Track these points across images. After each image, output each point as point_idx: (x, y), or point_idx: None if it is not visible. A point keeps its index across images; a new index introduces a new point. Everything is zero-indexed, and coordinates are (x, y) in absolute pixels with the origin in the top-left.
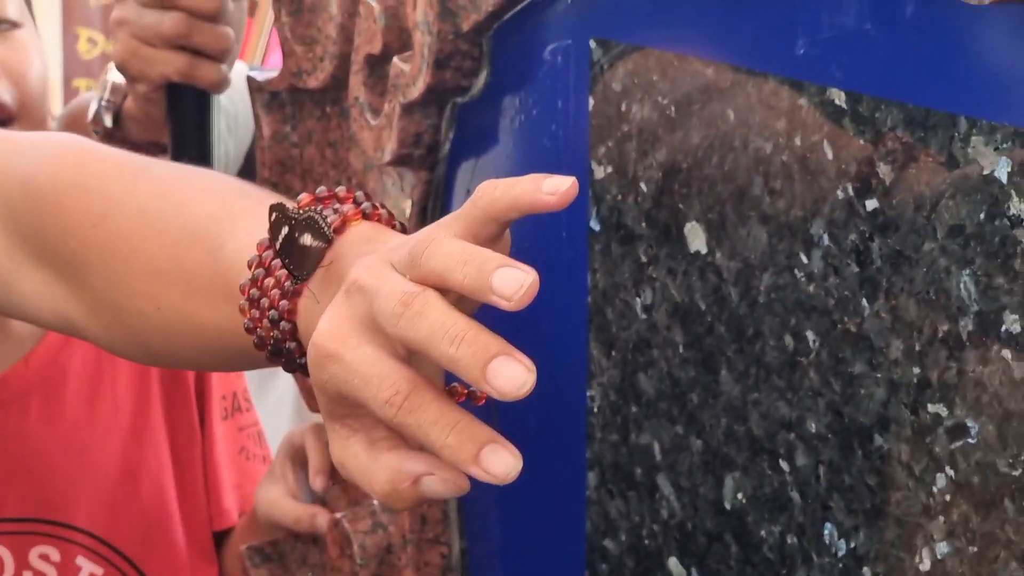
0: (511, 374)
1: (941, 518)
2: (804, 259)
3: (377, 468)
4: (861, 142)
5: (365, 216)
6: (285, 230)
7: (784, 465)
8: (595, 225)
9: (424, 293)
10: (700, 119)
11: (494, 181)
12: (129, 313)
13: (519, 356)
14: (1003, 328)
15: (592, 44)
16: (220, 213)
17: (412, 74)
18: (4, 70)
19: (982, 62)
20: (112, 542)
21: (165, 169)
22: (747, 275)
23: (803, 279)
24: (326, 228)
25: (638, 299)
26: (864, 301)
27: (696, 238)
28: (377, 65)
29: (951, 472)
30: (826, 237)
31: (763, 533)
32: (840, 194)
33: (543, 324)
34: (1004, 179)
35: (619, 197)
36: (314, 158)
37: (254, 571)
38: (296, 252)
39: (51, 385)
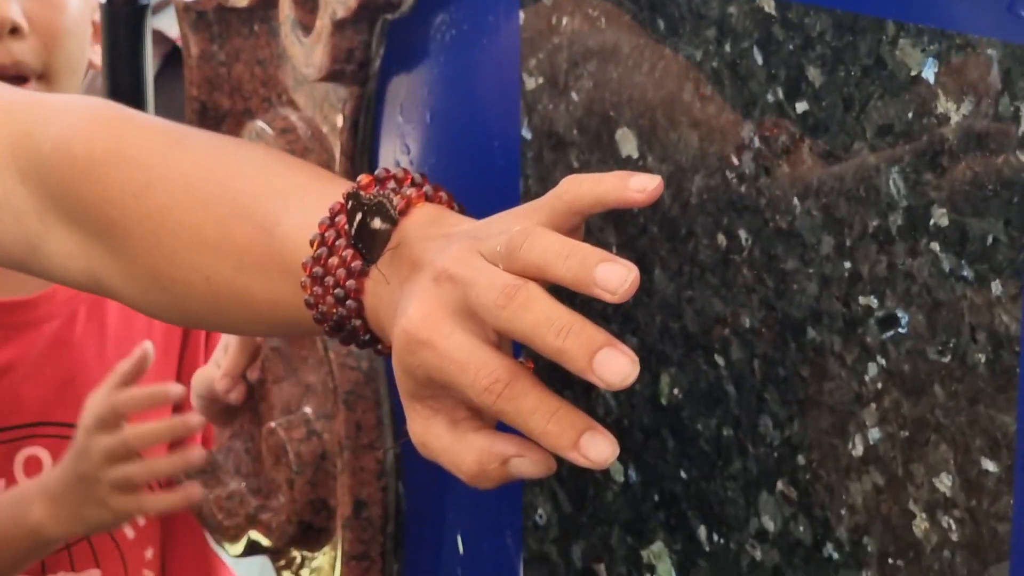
0: (616, 366)
1: (873, 405)
2: (735, 161)
3: (463, 448)
4: (790, 47)
5: (427, 198)
6: (359, 216)
7: (719, 360)
8: (527, 133)
9: (527, 286)
10: (630, 29)
11: (579, 176)
12: (173, 281)
13: (623, 348)
14: (931, 222)
15: None
16: (268, 188)
17: None
18: (33, 26)
19: None
20: None
21: (204, 139)
22: (679, 177)
23: (734, 180)
24: (392, 211)
25: None
26: (795, 200)
27: (627, 143)
28: None
29: (882, 361)
30: (756, 139)
31: (699, 427)
32: (770, 98)
33: None
34: (931, 79)
35: (550, 106)
36: (243, 76)
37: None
38: (367, 236)
39: (95, 298)
